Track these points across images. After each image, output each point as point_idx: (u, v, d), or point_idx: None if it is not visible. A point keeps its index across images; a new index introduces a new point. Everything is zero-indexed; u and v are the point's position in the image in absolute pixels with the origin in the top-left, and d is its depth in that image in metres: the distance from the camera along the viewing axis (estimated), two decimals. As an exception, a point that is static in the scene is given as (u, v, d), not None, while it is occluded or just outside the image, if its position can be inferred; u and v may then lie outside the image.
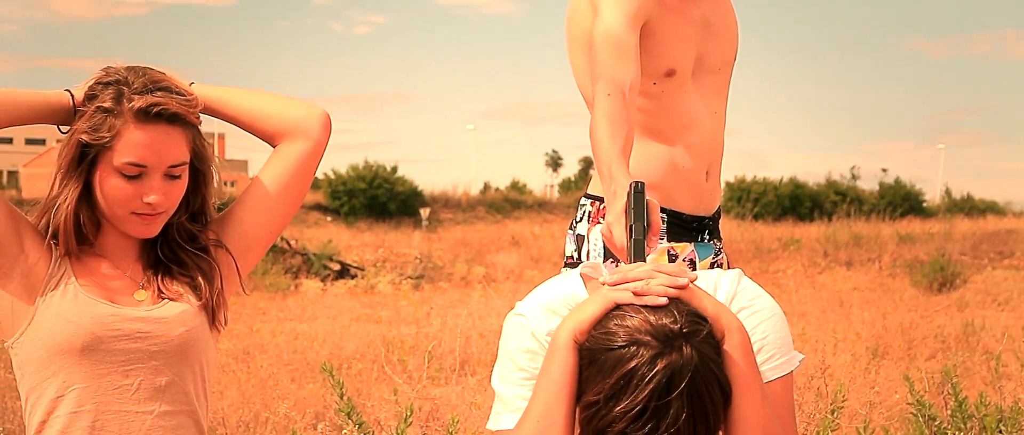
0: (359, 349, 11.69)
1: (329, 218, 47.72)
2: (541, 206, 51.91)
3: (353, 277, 24.14)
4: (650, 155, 3.44)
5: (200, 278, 2.69)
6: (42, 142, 78.13)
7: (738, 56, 3.69)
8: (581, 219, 3.54)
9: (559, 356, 2.31)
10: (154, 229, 2.64)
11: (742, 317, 2.38)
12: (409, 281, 23.25)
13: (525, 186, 61.65)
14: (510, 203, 52.40)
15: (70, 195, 2.56)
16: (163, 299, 2.65)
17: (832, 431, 5.06)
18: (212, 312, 2.70)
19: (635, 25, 3.23)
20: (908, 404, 5.85)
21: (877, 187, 61.18)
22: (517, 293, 17.55)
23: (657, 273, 2.31)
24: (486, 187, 60.91)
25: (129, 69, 2.60)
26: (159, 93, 2.55)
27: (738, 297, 2.48)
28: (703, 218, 3.50)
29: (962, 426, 5.48)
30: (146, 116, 2.53)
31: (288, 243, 25.65)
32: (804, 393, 6.65)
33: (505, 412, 2.48)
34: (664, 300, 2.25)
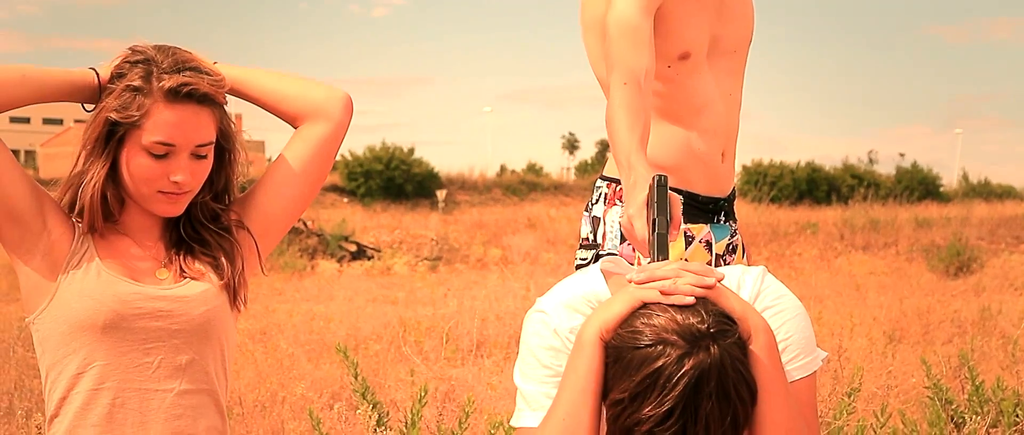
0: (375, 330, 11.71)
1: (345, 199, 47.74)
2: (557, 188, 51.82)
3: (369, 258, 24.17)
4: (665, 138, 3.43)
5: (222, 258, 2.71)
6: (59, 122, 78.24)
7: (755, 40, 3.68)
8: (597, 201, 3.54)
9: (585, 354, 2.30)
10: (179, 208, 2.65)
11: (766, 316, 2.38)
12: (425, 262, 23.27)
13: (542, 168, 61.61)
14: (526, 185, 52.34)
15: (98, 173, 2.57)
16: (185, 278, 2.66)
17: (848, 414, 5.06)
18: (233, 292, 2.71)
19: (649, 11, 3.22)
20: (925, 388, 5.85)
21: (894, 171, 61.03)
22: (533, 275, 17.59)
23: (684, 272, 2.31)
24: (503, 169, 60.93)
25: (157, 48, 2.61)
26: (188, 73, 2.56)
27: (762, 296, 2.47)
28: (718, 200, 3.50)
29: (979, 410, 5.48)
30: (176, 96, 2.54)
31: (304, 224, 25.67)
32: (821, 376, 6.64)
33: (528, 410, 2.47)
34: (691, 300, 2.24)
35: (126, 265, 2.63)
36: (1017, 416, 5.48)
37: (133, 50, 2.62)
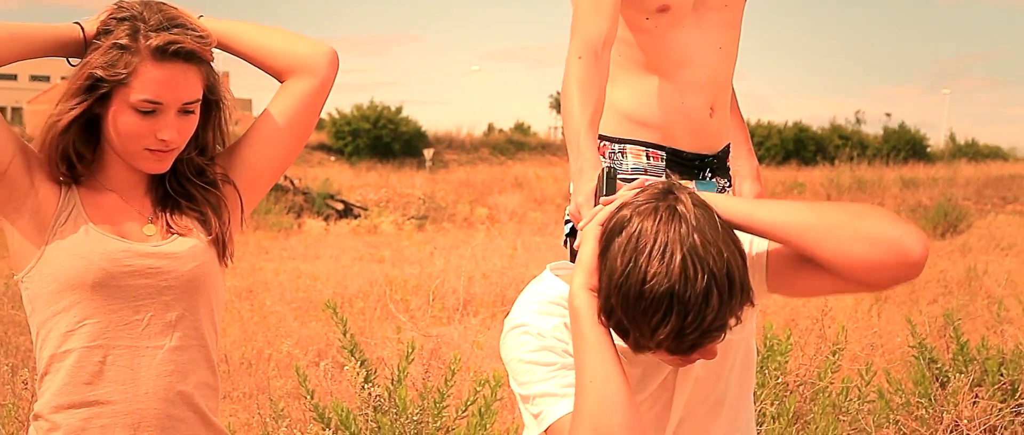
0: (362, 288, 11.72)
1: (332, 158, 47.70)
2: (545, 148, 51.81)
3: (356, 217, 24.18)
4: (646, 91, 3.40)
5: (210, 212, 2.71)
6: (46, 79, 77.94)
7: None
8: (584, 159, 3.52)
9: (584, 315, 2.31)
10: (166, 164, 2.65)
11: None
12: (412, 221, 23.29)
13: (529, 128, 61.48)
14: (514, 144, 52.32)
15: (68, 115, 2.56)
16: (172, 234, 2.65)
17: (833, 372, 5.08)
18: (222, 246, 2.71)
19: None
20: (910, 347, 5.87)
21: (881, 132, 61.10)
22: (520, 234, 17.60)
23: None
24: (490, 128, 60.79)
25: (144, 4, 2.59)
26: (175, 30, 2.54)
27: None
28: (705, 156, 3.47)
29: (964, 369, 5.50)
30: (163, 54, 2.52)
31: (291, 182, 25.64)
32: (806, 335, 6.66)
33: (551, 405, 2.42)
34: (634, 190, 2.33)
35: (114, 222, 2.62)
36: (1001, 375, 5.50)
37: (119, 6, 2.60)
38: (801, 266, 2.36)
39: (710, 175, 3.49)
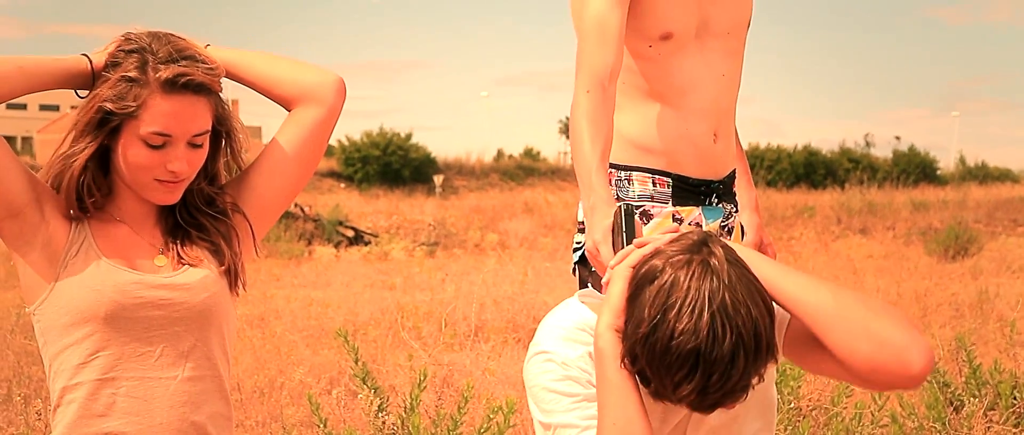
0: (373, 315, 11.72)
1: (342, 185, 47.73)
2: (554, 173, 51.81)
3: (367, 244, 24.19)
4: (651, 118, 3.41)
5: (220, 242, 2.71)
6: (56, 108, 78.10)
7: (752, 22, 3.66)
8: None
9: (608, 357, 2.31)
10: (176, 195, 2.65)
11: None
12: (423, 248, 23.29)
13: (539, 153, 61.47)
14: (523, 170, 52.33)
15: (83, 153, 2.56)
16: (183, 264, 2.66)
17: (846, 397, 5.07)
18: (233, 276, 2.71)
19: (620, 1, 3.24)
20: (922, 371, 5.85)
21: (891, 155, 61.05)
22: (531, 260, 17.60)
23: (651, 235, 2.43)
24: (500, 154, 60.81)
25: (152, 36, 2.60)
26: (184, 62, 2.55)
27: None
28: (711, 182, 3.47)
29: (977, 392, 5.49)
30: (172, 86, 2.53)
31: (301, 209, 25.67)
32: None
33: None
34: (668, 236, 2.34)
35: (124, 254, 2.63)
36: (1015, 398, 5.49)
37: (127, 38, 2.61)
38: (814, 343, 2.35)
39: (717, 201, 3.49)
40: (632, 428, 2.27)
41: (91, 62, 2.59)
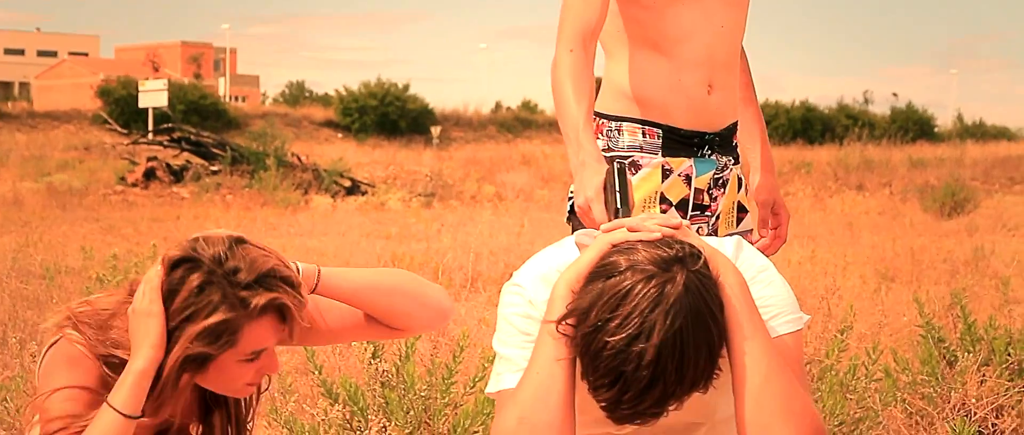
0: (369, 265, 11.71)
1: (339, 135, 47.70)
2: (552, 125, 51.68)
3: (363, 194, 24.17)
4: (643, 67, 3.41)
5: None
6: (54, 54, 77.88)
7: None
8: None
9: (557, 308, 2.34)
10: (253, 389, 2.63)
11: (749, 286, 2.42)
12: (419, 198, 23.28)
13: (536, 106, 61.38)
14: (521, 122, 52.32)
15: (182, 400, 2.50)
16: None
17: (840, 351, 5.08)
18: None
19: None
20: (917, 326, 5.87)
21: (889, 112, 61.01)
22: (527, 212, 17.63)
23: (651, 218, 2.42)
24: (497, 106, 60.80)
25: (220, 254, 2.44)
26: (274, 289, 2.45)
27: (740, 265, 2.49)
28: (704, 134, 3.47)
29: (971, 348, 5.49)
30: (266, 310, 2.44)
31: (299, 159, 25.65)
32: (813, 313, 6.65)
33: (508, 372, 2.49)
34: (657, 234, 2.33)
35: (151, 428, 2.57)
36: (1009, 354, 5.49)
37: (180, 261, 2.44)
38: None
39: (710, 153, 3.48)
40: (553, 381, 2.32)
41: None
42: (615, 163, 2.75)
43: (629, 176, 2.87)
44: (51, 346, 2.51)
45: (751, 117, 3.81)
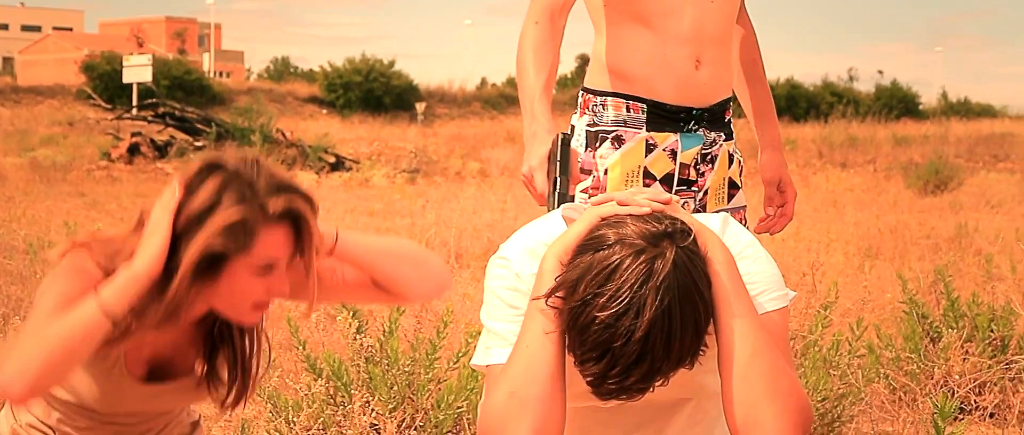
0: (354, 241, 11.69)
1: (324, 111, 47.63)
2: (537, 102, 51.71)
3: (348, 170, 24.15)
4: (629, 42, 3.40)
5: (229, 364, 2.69)
6: (38, 29, 77.62)
7: None
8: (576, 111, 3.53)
9: (546, 281, 2.34)
10: (261, 316, 2.61)
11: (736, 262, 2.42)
12: (404, 175, 23.26)
13: (521, 82, 61.28)
14: (506, 99, 52.24)
15: (188, 300, 2.45)
16: (194, 378, 2.66)
17: (824, 327, 5.09)
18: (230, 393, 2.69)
19: None
20: (900, 303, 5.89)
21: (874, 89, 61.08)
22: (511, 188, 17.60)
23: (640, 192, 2.43)
24: (482, 83, 60.80)
25: (241, 162, 2.47)
26: (290, 194, 2.48)
27: (726, 241, 2.48)
28: (691, 109, 3.45)
29: (954, 325, 5.51)
30: (281, 217, 2.44)
31: (283, 134, 25.61)
32: (797, 289, 6.66)
33: (497, 347, 2.49)
34: (647, 209, 2.33)
35: (144, 363, 2.60)
36: (991, 331, 5.52)
37: (209, 166, 2.45)
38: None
39: (697, 128, 3.47)
40: (543, 355, 2.32)
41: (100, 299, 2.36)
42: (560, 134, 2.76)
43: (573, 147, 2.89)
44: None
45: (759, 95, 3.83)
